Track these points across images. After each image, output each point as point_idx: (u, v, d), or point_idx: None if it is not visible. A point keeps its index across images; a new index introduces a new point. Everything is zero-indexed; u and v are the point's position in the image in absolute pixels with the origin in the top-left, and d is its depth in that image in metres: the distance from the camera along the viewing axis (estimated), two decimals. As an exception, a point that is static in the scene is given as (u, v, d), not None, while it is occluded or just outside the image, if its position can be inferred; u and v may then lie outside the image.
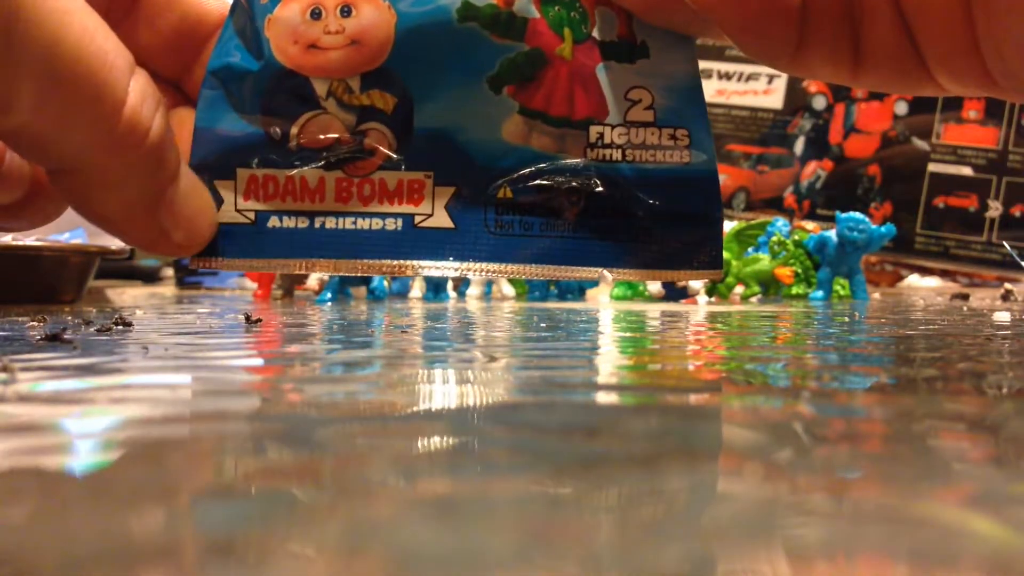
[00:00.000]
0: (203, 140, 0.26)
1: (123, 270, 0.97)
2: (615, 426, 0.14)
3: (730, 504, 0.09)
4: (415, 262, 0.26)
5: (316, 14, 0.26)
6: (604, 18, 0.25)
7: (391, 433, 0.13)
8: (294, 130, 0.26)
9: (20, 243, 0.50)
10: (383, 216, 0.26)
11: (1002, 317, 0.37)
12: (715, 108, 1.02)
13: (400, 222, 0.26)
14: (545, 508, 0.09)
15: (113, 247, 0.54)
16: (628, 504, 0.09)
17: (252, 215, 0.26)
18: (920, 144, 0.97)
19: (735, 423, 0.14)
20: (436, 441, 0.12)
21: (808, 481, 0.10)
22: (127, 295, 0.66)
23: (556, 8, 0.25)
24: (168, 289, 0.84)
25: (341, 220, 0.26)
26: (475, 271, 0.26)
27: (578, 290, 0.62)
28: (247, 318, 0.33)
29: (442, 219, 0.26)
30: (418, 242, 0.26)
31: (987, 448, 0.12)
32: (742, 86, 1.01)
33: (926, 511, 0.09)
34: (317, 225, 0.26)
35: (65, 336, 0.26)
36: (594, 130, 0.25)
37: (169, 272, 1.00)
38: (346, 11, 0.26)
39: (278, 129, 0.26)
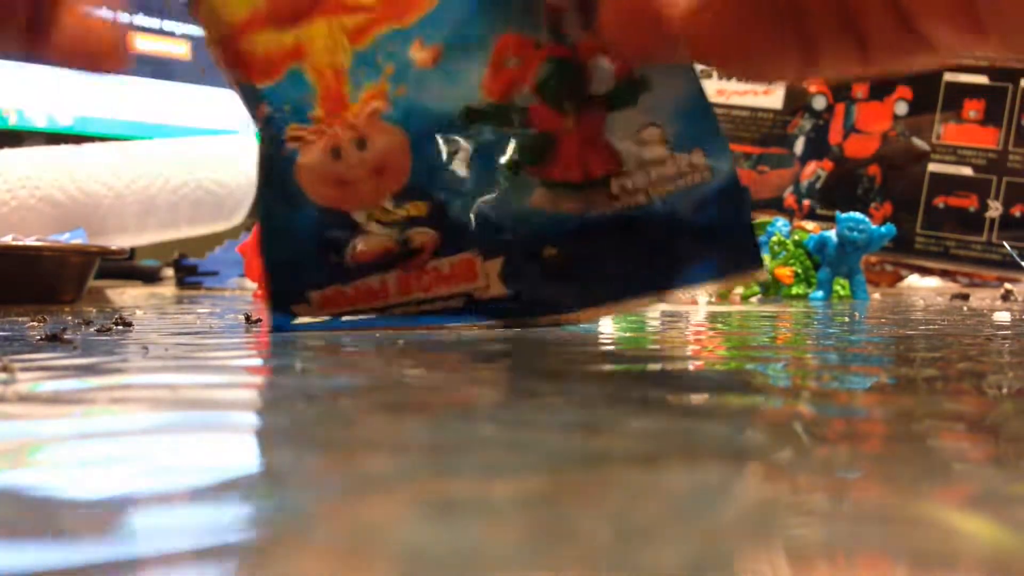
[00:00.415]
0: (280, 271, 0.29)
1: (123, 270, 0.97)
2: (615, 425, 0.14)
3: (730, 504, 0.09)
4: (481, 322, 0.29)
5: (336, 153, 0.28)
6: (599, 70, 0.27)
7: (392, 430, 0.13)
8: (347, 254, 0.28)
9: (20, 243, 0.50)
10: (445, 298, 0.29)
11: (1002, 317, 0.37)
12: (715, 108, 1.02)
13: (461, 300, 0.29)
14: (545, 508, 0.09)
15: (113, 247, 0.54)
16: (627, 504, 0.09)
17: (327, 317, 0.29)
18: (920, 144, 0.97)
19: (735, 423, 0.14)
20: (435, 441, 0.12)
21: (808, 481, 0.10)
22: (127, 295, 0.66)
23: (551, 85, 0.27)
24: (168, 289, 0.84)
25: (407, 308, 0.29)
26: (536, 323, 0.29)
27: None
28: (247, 318, 0.33)
29: (497, 287, 0.28)
30: (479, 309, 0.29)
31: (987, 448, 0.12)
32: (742, 86, 1.01)
33: (926, 511, 0.09)
34: (387, 314, 0.29)
35: (65, 336, 0.26)
36: (615, 184, 0.27)
37: (169, 272, 1.00)
38: (361, 144, 0.28)
39: (333, 256, 0.29)
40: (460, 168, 0.28)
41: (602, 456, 0.12)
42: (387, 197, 0.28)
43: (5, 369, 0.18)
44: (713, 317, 0.40)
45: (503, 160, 0.28)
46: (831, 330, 0.32)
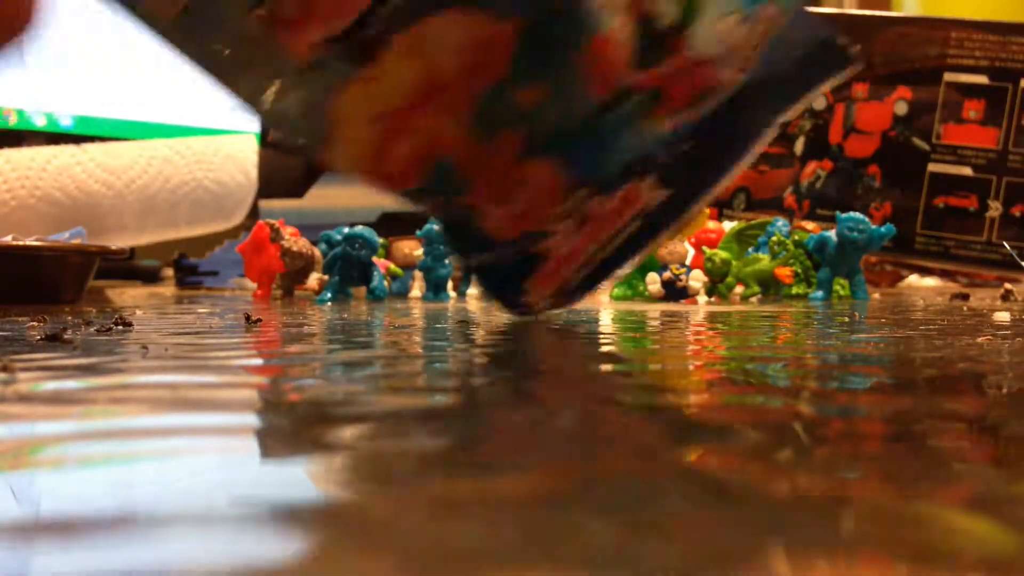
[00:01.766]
0: (498, 292, 0.35)
1: (123, 270, 0.97)
2: (615, 425, 0.14)
3: (729, 504, 0.09)
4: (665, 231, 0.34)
5: (500, 200, 0.32)
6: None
7: (395, 431, 0.13)
8: (543, 248, 0.33)
9: (20, 243, 0.50)
10: (626, 225, 0.33)
11: (1002, 317, 0.37)
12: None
13: (638, 220, 0.33)
14: (545, 508, 0.09)
15: (113, 247, 0.54)
16: (627, 504, 0.09)
17: (552, 297, 0.35)
18: (920, 144, 0.97)
19: (735, 423, 0.14)
20: (433, 440, 0.12)
21: (808, 481, 0.10)
22: (127, 295, 0.66)
23: (637, 55, 0.30)
24: (168, 289, 0.84)
25: (607, 249, 0.33)
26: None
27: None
28: (247, 318, 0.33)
29: (660, 193, 0.32)
30: (654, 217, 0.33)
31: (987, 448, 0.12)
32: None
33: (926, 511, 0.09)
34: (597, 262, 0.34)
35: (65, 336, 0.26)
36: (724, 76, 0.31)
37: (169, 272, 1.00)
38: (519, 183, 0.31)
39: (536, 261, 0.33)
40: (600, 150, 0.32)
41: (601, 455, 0.12)
42: (558, 207, 0.32)
43: (5, 369, 0.18)
44: (713, 317, 0.40)
45: (630, 118, 0.31)
46: (831, 330, 0.32)
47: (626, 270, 0.34)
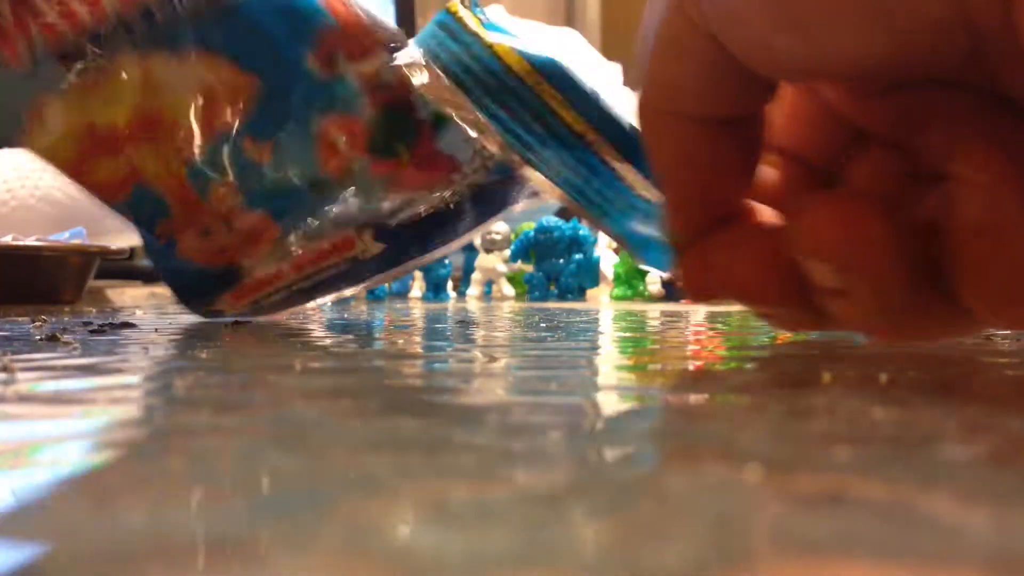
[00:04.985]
0: (190, 295, 0.34)
1: (123, 270, 0.97)
2: (615, 425, 0.14)
3: (729, 504, 0.09)
4: (376, 277, 0.34)
5: (206, 232, 0.32)
6: (419, 96, 0.31)
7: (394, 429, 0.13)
8: (244, 281, 0.33)
9: (20, 243, 0.50)
10: (335, 265, 0.33)
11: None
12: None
13: (347, 264, 0.33)
14: (545, 508, 0.09)
15: (113, 247, 0.54)
16: (627, 504, 0.09)
17: (247, 307, 0.34)
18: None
19: (734, 423, 0.14)
20: (434, 440, 0.12)
21: (808, 481, 0.10)
22: (127, 295, 0.66)
23: (380, 140, 0.31)
24: (168, 289, 0.84)
25: (306, 280, 0.33)
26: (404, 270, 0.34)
27: (578, 290, 0.62)
28: (235, 323, 0.33)
29: (374, 247, 0.33)
30: (366, 266, 0.33)
31: (987, 448, 0.12)
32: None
33: (926, 511, 0.09)
34: (294, 289, 0.33)
35: (65, 336, 0.26)
36: (456, 177, 0.32)
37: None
38: (228, 224, 0.32)
39: (232, 284, 0.33)
40: (321, 213, 0.32)
41: (601, 455, 0.12)
42: (268, 247, 0.33)
43: (5, 369, 0.18)
44: (713, 317, 0.40)
45: (356, 196, 0.32)
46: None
47: (319, 301, 0.35)
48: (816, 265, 0.17)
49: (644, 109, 0.20)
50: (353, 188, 0.32)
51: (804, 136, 0.22)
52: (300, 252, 0.33)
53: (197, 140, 0.30)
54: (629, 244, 0.28)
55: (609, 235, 0.28)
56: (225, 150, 0.30)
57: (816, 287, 0.18)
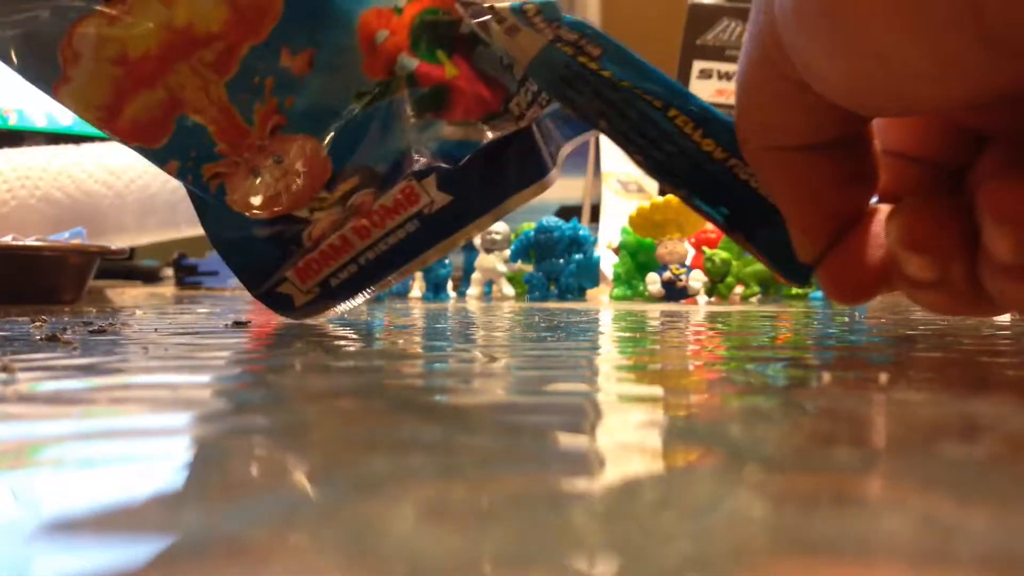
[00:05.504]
0: (250, 275, 0.31)
1: (123, 270, 0.97)
2: (615, 425, 0.14)
3: (729, 504, 0.09)
4: (449, 238, 0.31)
5: (257, 174, 0.30)
6: (463, 9, 0.28)
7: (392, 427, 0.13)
8: (304, 240, 0.31)
9: (20, 243, 0.50)
10: (402, 224, 0.30)
11: (1002, 317, 0.37)
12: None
13: (415, 222, 0.30)
14: (545, 508, 0.09)
15: (113, 247, 0.54)
16: (627, 504, 0.09)
17: (316, 289, 0.31)
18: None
19: (735, 422, 0.14)
20: (434, 440, 0.12)
21: (808, 481, 0.10)
22: (127, 295, 0.66)
23: (423, 42, 0.29)
24: (168, 289, 0.84)
25: (375, 249, 0.31)
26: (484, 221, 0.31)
27: (578, 290, 0.62)
28: (236, 323, 0.33)
29: (441, 198, 0.30)
30: (438, 222, 0.30)
31: (987, 448, 0.12)
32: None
33: (926, 511, 0.09)
34: (363, 262, 0.31)
35: (65, 336, 0.26)
36: (512, 106, 0.29)
37: (169, 272, 1.00)
38: (278, 160, 0.30)
39: (292, 247, 0.31)
40: (374, 139, 0.30)
41: (600, 455, 0.12)
42: (320, 191, 0.30)
43: (5, 369, 0.18)
44: (713, 317, 0.40)
45: (409, 114, 0.29)
46: (831, 330, 0.32)
47: (393, 278, 0.31)
48: (1000, 238, 0.17)
49: (746, 147, 0.21)
50: (403, 100, 0.29)
51: (921, 141, 0.22)
52: (362, 209, 0.30)
53: (234, 56, 0.27)
54: (772, 263, 0.26)
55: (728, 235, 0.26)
56: (261, 62, 0.27)
57: (998, 262, 0.18)
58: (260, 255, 0.31)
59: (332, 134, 0.29)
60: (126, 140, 0.28)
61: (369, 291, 0.31)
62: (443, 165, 0.30)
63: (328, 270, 0.31)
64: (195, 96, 0.28)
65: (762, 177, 0.22)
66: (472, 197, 0.30)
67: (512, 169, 0.30)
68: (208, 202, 0.30)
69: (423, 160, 0.30)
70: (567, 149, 0.31)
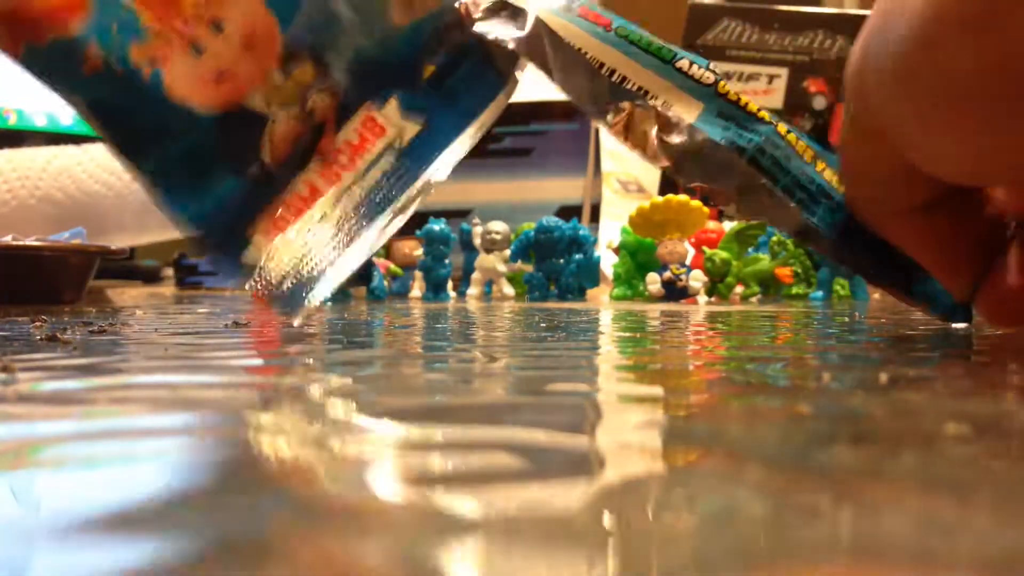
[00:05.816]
0: (212, 226, 0.26)
1: (123, 270, 0.97)
2: (615, 425, 0.14)
3: (730, 504, 0.09)
4: (429, 168, 0.27)
5: (197, 49, 0.25)
6: None
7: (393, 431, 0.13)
8: (265, 156, 0.26)
9: (20, 243, 0.50)
10: (374, 162, 0.27)
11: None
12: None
13: (391, 155, 0.27)
14: (544, 508, 0.09)
15: (113, 247, 0.54)
16: (627, 504, 0.09)
17: (297, 264, 0.26)
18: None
19: (735, 423, 0.14)
20: (434, 441, 0.12)
21: (808, 481, 0.10)
22: (127, 295, 0.66)
23: None
24: (168, 289, 0.84)
25: (352, 193, 0.27)
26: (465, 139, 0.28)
27: (578, 290, 0.62)
28: (235, 323, 0.33)
29: (410, 127, 0.27)
30: (413, 154, 0.27)
31: (987, 448, 0.12)
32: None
33: (926, 510, 0.09)
34: (341, 213, 0.27)
35: (65, 336, 0.26)
36: None
37: (169, 272, 1.00)
38: (217, 27, 0.25)
39: (254, 169, 0.26)
40: (318, 8, 0.26)
41: (601, 455, 0.12)
42: (272, 68, 0.26)
43: (5, 369, 0.18)
44: (713, 317, 0.40)
45: None
46: (831, 330, 0.32)
47: (382, 227, 0.27)
48: None
49: (863, 216, 0.22)
50: None
51: None
52: (325, 149, 0.26)
53: None
54: (928, 305, 0.25)
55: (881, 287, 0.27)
56: None
57: None
58: (217, 181, 0.26)
59: None
60: (40, 27, 0.24)
61: (356, 248, 0.27)
62: (401, 87, 0.27)
63: (300, 222, 0.26)
64: None
65: (890, 239, 0.23)
66: (442, 119, 0.27)
67: (473, 83, 0.27)
68: (144, 101, 0.25)
69: (385, 62, 0.27)
70: (523, 60, 0.28)
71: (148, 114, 0.25)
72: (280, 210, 0.26)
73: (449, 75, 0.27)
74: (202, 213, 0.26)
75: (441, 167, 0.28)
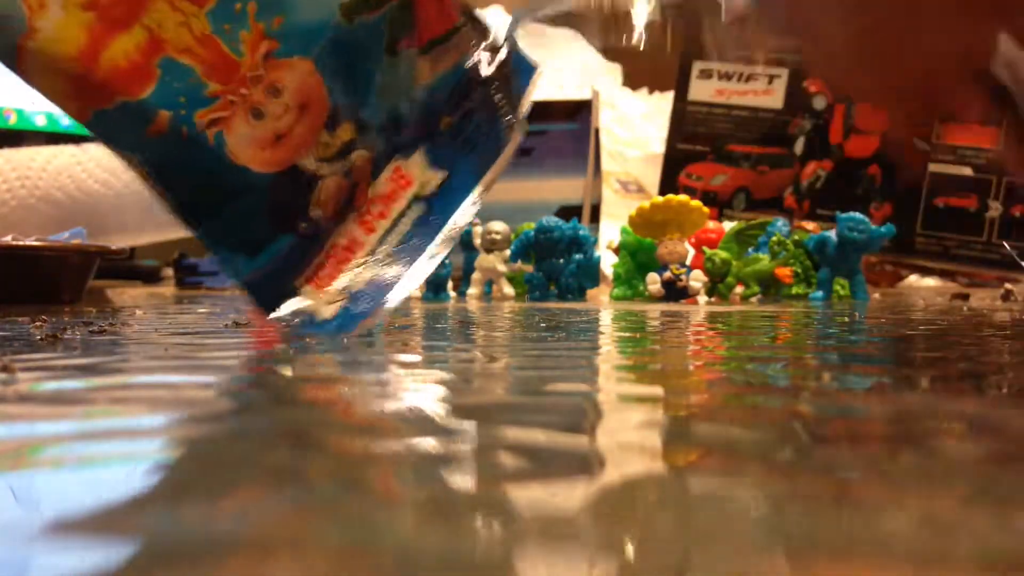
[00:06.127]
0: (264, 288, 0.28)
1: (123, 270, 0.97)
2: (615, 425, 0.14)
3: (731, 504, 0.09)
4: (456, 214, 0.29)
5: (257, 114, 0.27)
6: None
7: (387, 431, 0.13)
8: (315, 212, 0.28)
9: (20, 243, 0.50)
10: (403, 212, 0.29)
11: (1002, 317, 0.37)
12: (715, 108, 1.02)
13: (420, 206, 0.29)
14: (545, 507, 0.09)
15: (113, 247, 0.54)
16: (627, 503, 0.09)
17: (342, 297, 0.28)
18: (920, 144, 0.97)
19: (735, 423, 0.14)
20: (434, 440, 0.12)
21: (808, 481, 0.10)
22: (127, 295, 0.66)
23: None
24: (168, 289, 0.84)
25: (387, 241, 0.28)
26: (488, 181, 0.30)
27: (578, 290, 0.62)
28: (235, 323, 0.33)
29: (433, 177, 0.29)
30: (439, 201, 0.29)
31: (987, 448, 0.12)
32: (742, 86, 1.01)
33: (926, 511, 0.09)
34: (379, 255, 0.28)
35: (65, 336, 0.26)
36: (476, 23, 0.29)
37: (169, 272, 1.00)
38: (275, 92, 0.27)
39: (304, 225, 0.28)
40: (356, 68, 0.28)
41: (601, 455, 0.12)
42: (321, 130, 0.28)
43: (5, 369, 0.18)
44: (713, 317, 0.40)
45: (384, 45, 0.28)
46: (831, 330, 0.32)
47: (412, 280, 0.28)
48: None
49: None
50: (379, 27, 0.28)
51: None
52: (361, 170, 0.28)
53: None
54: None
55: None
56: None
57: None
58: (272, 248, 0.27)
59: (323, 55, 0.27)
60: (109, 94, 0.26)
61: (395, 293, 0.28)
62: (425, 139, 0.29)
63: (345, 268, 0.28)
64: (176, 33, 0.26)
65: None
66: (462, 168, 0.29)
67: (485, 133, 0.29)
68: (207, 163, 0.27)
69: (412, 118, 0.29)
70: (528, 99, 0.30)
71: (211, 175, 0.27)
72: (325, 262, 0.28)
73: (465, 127, 0.29)
74: (256, 267, 0.28)
75: (464, 213, 0.29)
